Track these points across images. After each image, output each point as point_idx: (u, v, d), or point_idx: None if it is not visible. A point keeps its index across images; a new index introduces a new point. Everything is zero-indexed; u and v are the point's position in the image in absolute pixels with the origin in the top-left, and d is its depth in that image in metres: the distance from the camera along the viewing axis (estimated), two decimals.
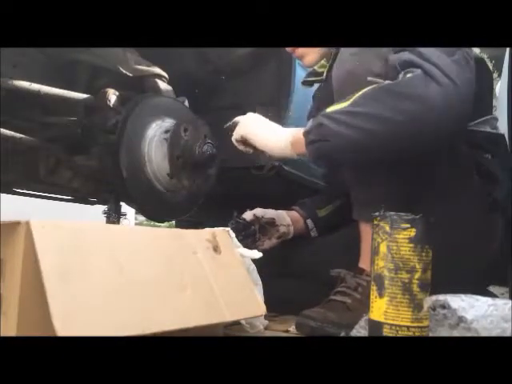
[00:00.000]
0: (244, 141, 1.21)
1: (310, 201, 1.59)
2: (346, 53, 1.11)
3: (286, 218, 1.51)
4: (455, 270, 1.06)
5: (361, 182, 1.16)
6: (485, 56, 1.28)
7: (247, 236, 1.39)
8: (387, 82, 1.02)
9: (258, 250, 1.37)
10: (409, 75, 0.99)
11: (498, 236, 1.21)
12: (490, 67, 1.29)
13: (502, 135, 1.27)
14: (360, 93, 1.02)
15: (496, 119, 1.27)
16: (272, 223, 1.48)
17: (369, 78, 1.04)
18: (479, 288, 0.94)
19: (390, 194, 1.10)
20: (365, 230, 1.18)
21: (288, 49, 1.34)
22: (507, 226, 1.21)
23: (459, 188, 1.17)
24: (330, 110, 1.05)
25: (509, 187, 1.20)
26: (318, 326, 1.09)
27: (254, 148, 1.21)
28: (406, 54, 1.01)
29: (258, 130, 1.19)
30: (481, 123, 1.23)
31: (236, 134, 1.22)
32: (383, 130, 0.98)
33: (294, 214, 1.55)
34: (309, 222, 1.55)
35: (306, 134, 1.08)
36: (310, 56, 1.31)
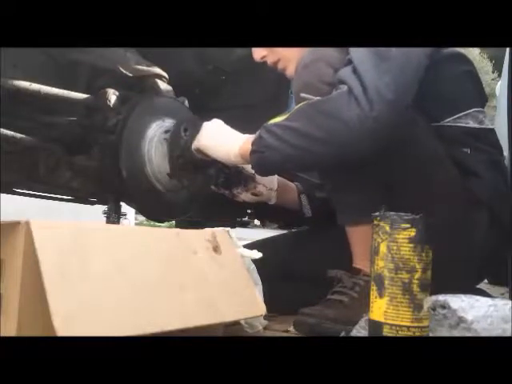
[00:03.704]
0: (200, 151, 1.26)
1: (312, 180, 1.53)
2: (300, 66, 1.16)
3: (273, 182, 1.42)
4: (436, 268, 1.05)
5: (338, 188, 1.19)
6: (485, 56, 1.27)
7: (226, 177, 1.34)
8: (317, 98, 1.06)
9: (234, 198, 1.37)
10: (337, 92, 1.03)
11: (482, 233, 1.17)
12: (491, 65, 1.28)
13: (486, 129, 1.23)
14: (295, 108, 1.08)
15: (482, 112, 1.23)
16: (251, 177, 1.38)
17: (301, 94, 1.09)
18: (465, 287, 0.93)
19: (371, 197, 1.11)
20: (352, 230, 1.19)
21: (269, 64, 1.33)
22: (495, 222, 1.17)
23: (433, 185, 1.15)
24: (271, 122, 1.11)
25: (497, 182, 1.17)
26: (316, 323, 1.10)
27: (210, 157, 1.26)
28: (343, 70, 1.05)
29: (209, 141, 1.24)
30: (460, 118, 1.20)
31: (193, 145, 1.26)
32: (309, 145, 1.03)
33: (290, 183, 1.50)
34: (303, 197, 1.51)
35: (252, 143, 1.12)
36: (290, 67, 1.29)
